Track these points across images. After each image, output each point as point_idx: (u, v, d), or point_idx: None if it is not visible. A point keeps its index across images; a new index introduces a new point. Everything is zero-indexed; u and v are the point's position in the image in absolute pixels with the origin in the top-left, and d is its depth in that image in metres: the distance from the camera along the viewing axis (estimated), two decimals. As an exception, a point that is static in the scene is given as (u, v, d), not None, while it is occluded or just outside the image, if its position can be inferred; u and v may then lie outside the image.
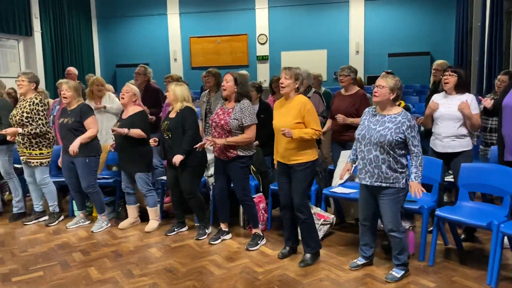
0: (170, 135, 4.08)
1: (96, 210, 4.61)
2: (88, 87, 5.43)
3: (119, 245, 4.08)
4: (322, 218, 4.00)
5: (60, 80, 5.73)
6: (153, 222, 4.50)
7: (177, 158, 3.96)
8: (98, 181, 4.57)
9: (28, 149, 4.52)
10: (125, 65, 13.54)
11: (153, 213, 4.51)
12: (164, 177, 4.77)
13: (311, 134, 3.39)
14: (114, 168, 5.41)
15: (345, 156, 4.21)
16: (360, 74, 10.89)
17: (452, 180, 4.06)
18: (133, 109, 4.38)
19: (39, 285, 3.30)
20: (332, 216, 4.16)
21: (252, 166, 4.48)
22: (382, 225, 4.04)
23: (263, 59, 13.23)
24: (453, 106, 3.79)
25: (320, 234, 3.93)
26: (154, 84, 6.16)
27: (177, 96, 4.11)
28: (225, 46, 13.48)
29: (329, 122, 4.79)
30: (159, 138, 4.23)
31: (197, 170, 4.18)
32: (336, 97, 4.75)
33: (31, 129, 4.42)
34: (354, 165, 3.48)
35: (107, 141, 5.00)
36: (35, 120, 4.47)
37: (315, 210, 3.99)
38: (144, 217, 4.63)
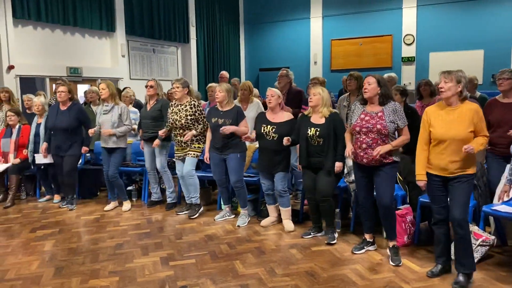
0: (320, 142, 4.09)
1: (240, 204, 4.89)
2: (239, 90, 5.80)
3: (261, 242, 4.23)
4: (481, 238, 3.57)
5: (210, 84, 6.25)
6: (289, 222, 4.59)
7: (339, 166, 4.06)
8: (244, 178, 4.82)
9: (189, 145, 5.01)
10: (268, 69, 14.10)
11: (287, 213, 4.61)
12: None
13: (485, 144, 3.16)
14: (258, 168, 5.65)
15: (512, 171, 3.70)
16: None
17: None
18: (285, 115, 4.55)
19: (192, 272, 3.59)
20: (493, 237, 3.69)
21: (398, 175, 4.25)
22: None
23: (408, 60, 12.49)
24: None
25: (477, 255, 3.52)
26: (295, 87, 6.27)
27: (325, 101, 4.12)
28: (368, 48, 13.07)
29: None
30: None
31: (337, 174, 4.16)
32: (492, 104, 4.22)
33: (202, 128, 4.98)
34: None
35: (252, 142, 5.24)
36: (199, 120, 4.98)
37: (472, 228, 3.58)
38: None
